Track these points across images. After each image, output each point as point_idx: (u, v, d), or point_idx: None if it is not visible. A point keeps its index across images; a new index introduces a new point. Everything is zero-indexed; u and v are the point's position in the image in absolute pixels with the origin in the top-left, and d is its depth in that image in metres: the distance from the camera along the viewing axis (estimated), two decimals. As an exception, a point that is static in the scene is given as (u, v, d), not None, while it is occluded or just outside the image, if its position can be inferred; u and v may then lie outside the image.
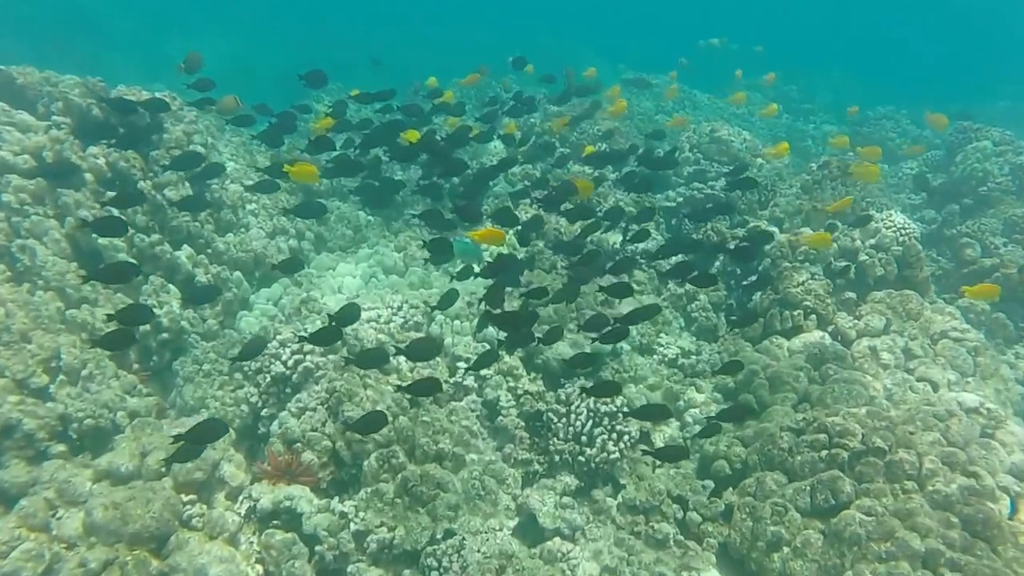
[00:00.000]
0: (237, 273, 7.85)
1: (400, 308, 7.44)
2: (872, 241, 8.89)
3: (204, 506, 5.65)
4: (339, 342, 6.60)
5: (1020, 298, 9.44)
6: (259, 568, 5.55)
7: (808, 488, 6.33)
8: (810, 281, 8.24)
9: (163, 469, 5.70)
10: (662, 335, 8.47)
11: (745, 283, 8.87)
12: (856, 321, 8.08)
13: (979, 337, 8.21)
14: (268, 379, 6.53)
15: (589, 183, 7.64)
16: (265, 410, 6.57)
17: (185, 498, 5.61)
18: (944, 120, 11.27)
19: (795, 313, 8.12)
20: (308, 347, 6.64)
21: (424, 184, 7.73)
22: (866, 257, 8.65)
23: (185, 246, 7.58)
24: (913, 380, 7.31)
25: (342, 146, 7.98)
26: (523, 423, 6.89)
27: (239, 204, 8.41)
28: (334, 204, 9.44)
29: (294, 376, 6.57)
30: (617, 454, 6.74)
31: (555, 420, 6.83)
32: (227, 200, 8.23)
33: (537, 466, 6.77)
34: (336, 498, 6.06)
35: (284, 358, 6.55)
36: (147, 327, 6.76)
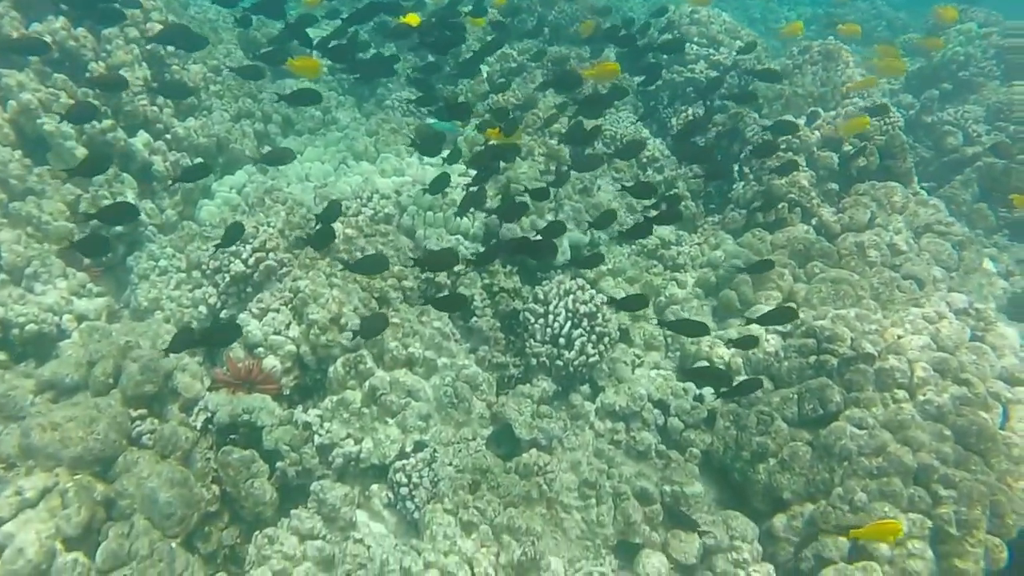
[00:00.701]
0: (198, 159, 6.68)
1: (370, 198, 6.37)
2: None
3: (156, 421, 4.73)
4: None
5: (1001, 188, 8.49)
6: (215, 489, 4.70)
7: (795, 396, 5.56)
8: (796, 173, 7.22)
9: (111, 380, 4.76)
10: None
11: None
12: (840, 215, 7.13)
13: (963, 230, 7.34)
14: (227, 278, 5.51)
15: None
16: (224, 311, 5.58)
17: (134, 413, 4.68)
18: (954, 13, 9.84)
19: (779, 206, 7.14)
20: (271, 244, 5.61)
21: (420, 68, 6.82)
22: (849, 147, 7.62)
23: (141, 132, 6.38)
24: (899, 278, 6.42)
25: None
26: (498, 323, 5.98)
27: (201, 86, 7.15)
28: (304, 84, 8.18)
29: (255, 275, 5.56)
30: (596, 356, 5.87)
31: (532, 320, 5.93)
32: (189, 81, 6.96)
33: (513, 369, 5.91)
34: (300, 407, 5.19)
35: (244, 256, 5.51)
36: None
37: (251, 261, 5.49)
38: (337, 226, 5.88)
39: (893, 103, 9.52)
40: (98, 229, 5.83)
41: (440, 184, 5.81)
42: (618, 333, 6.11)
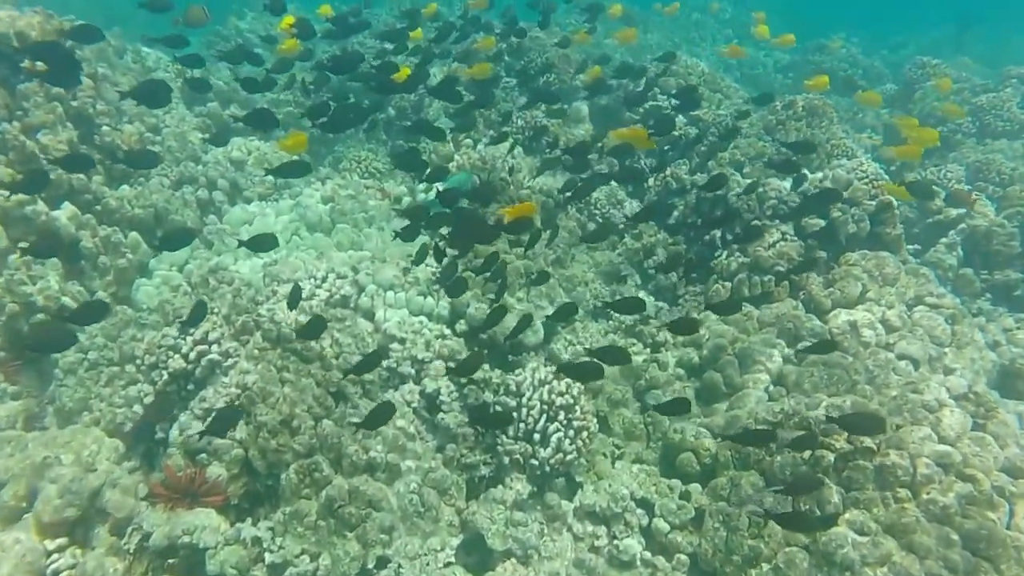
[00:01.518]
0: (134, 234, 6.30)
1: (325, 279, 6.04)
2: (846, 194, 7.71)
3: (78, 552, 4.31)
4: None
5: (983, 252, 8.42)
6: (149, 627, 4.30)
7: (790, 496, 5.30)
8: (782, 243, 7.05)
9: (24, 504, 4.34)
10: (617, 295, 7.27)
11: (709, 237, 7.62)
12: (831, 289, 6.95)
13: (954, 302, 7.19)
14: (165, 376, 5.12)
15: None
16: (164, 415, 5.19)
17: (51, 545, 4.26)
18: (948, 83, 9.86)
19: (766, 279, 6.95)
20: (214, 335, 5.24)
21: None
22: (839, 213, 7.47)
23: (66, 204, 5.99)
24: (894, 359, 6.24)
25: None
26: (467, 419, 5.65)
27: (136, 146, 6.78)
28: (252, 143, 7.84)
29: (198, 370, 5.19)
30: (575, 453, 5.58)
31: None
32: (121, 143, 6.60)
33: (483, 468, 5.58)
34: (248, 520, 4.81)
35: (185, 350, 5.14)
36: (16, 307, 5.26)
37: (192, 355, 5.11)
38: (292, 314, 5.54)
39: (872, 159, 9.48)
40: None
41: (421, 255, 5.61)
42: (596, 426, 5.81)
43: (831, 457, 5.37)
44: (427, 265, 6.39)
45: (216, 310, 5.52)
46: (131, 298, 6.12)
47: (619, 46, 11.42)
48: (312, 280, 5.98)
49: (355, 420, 5.11)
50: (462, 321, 6.23)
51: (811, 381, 6.07)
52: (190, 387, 5.21)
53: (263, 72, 6.71)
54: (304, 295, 5.85)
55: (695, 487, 5.72)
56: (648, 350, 6.91)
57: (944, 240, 8.77)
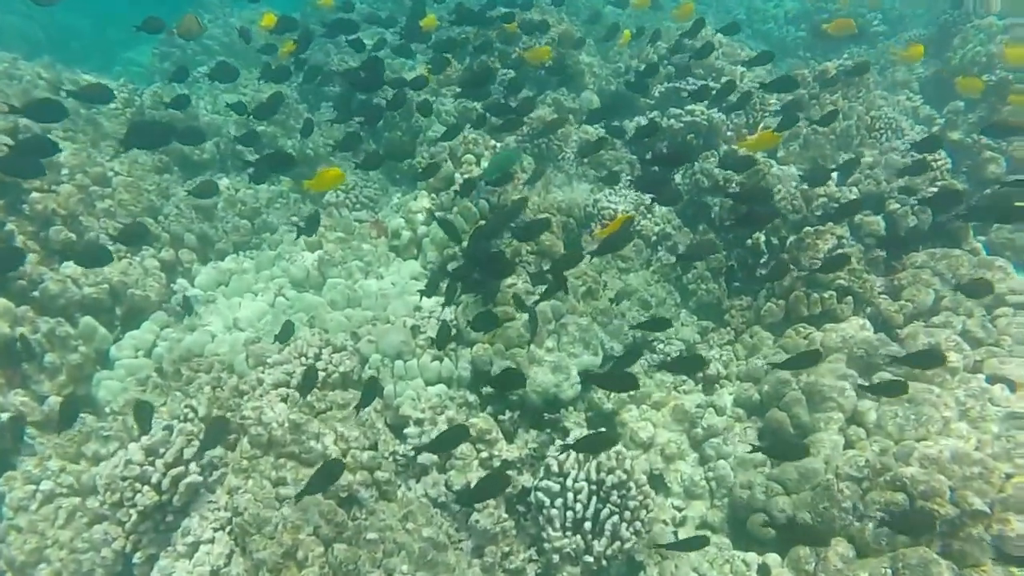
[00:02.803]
0: (86, 320, 5.39)
1: (319, 355, 5.17)
2: (900, 181, 6.83)
3: None
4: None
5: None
6: None
7: (890, 573, 4.51)
8: (840, 251, 6.18)
9: None
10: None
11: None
12: (901, 301, 6.10)
13: (1044, 300, 6.33)
14: (134, 515, 4.26)
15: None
16: (139, 554, 4.34)
17: None
18: (979, 84, 8.75)
19: (826, 295, 6.08)
20: (189, 452, 4.39)
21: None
22: (896, 205, 6.60)
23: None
24: (987, 385, 5.42)
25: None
26: (505, 515, 4.82)
27: (79, 211, 5.81)
28: (222, 181, 6.89)
29: (175, 499, 4.34)
30: (633, 539, 4.76)
31: (548, 503, 4.79)
32: (59, 208, 5.65)
33: (530, 570, 4.77)
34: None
35: (155, 479, 4.28)
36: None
37: (165, 483, 4.26)
38: (280, 407, 4.68)
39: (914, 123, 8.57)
40: None
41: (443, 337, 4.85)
42: (653, 499, 5.00)
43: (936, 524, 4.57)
44: (438, 317, 5.54)
45: (194, 410, 4.66)
46: (92, 398, 5.23)
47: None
48: (301, 358, 5.10)
49: (371, 536, 4.28)
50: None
51: (895, 422, 5.24)
52: (169, 518, 4.35)
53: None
54: (293, 380, 4.98)
55: (773, 559, 4.97)
56: (699, 386, 6.09)
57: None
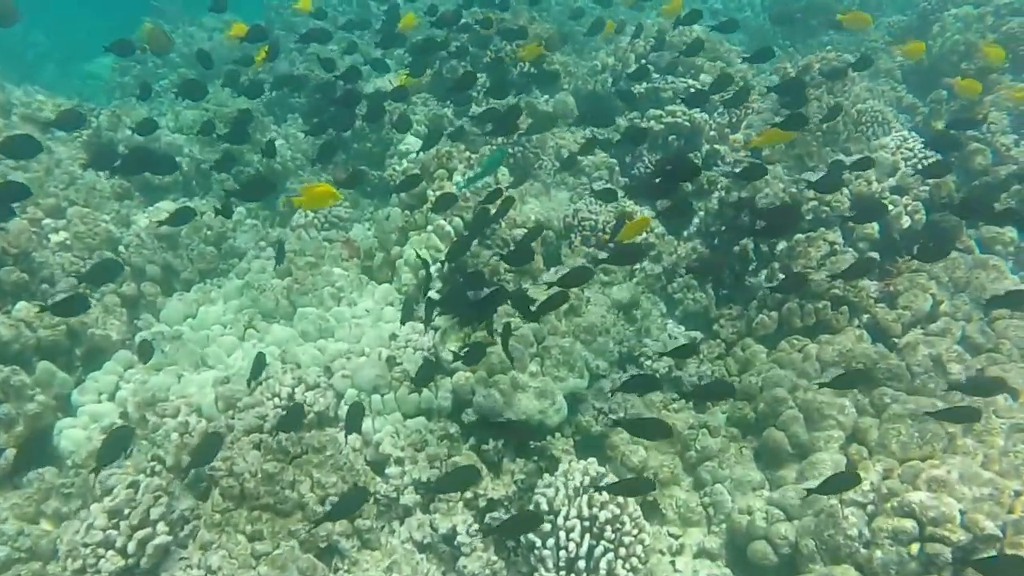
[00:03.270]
0: (43, 365, 5.09)
1: (291, 393, 4.91)
2: (891, 181, 6.63)
3: None
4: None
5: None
6: None
7: (902, 604, 4.34)
8: (833, 258, 5.98)
9: None
10: (645, 339, 6.21)
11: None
12: (898, 309, 5.90)
13: (1041, 300, 6.16)
14: (100, 585, 4.00)
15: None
16: (106, 624, 4.09)
17: None
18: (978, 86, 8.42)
19: (819, 305, 5.88)
20: (156, 512, 4.13)
21: None
22: (889, 206, 6.41)
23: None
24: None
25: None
26: (494, 557, 4.60)
27: (31, 248, 5.49)
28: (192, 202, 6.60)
29: (143, 561, 4.08)
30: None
31: (539, 544, 4.57)
32: (9, 247, 5.32)
33: (523, 616, 4.56)
34: None
35: (120, 543, 4.02)
36: None
37: (131, 547, 4.00)
38: (252, 455, 4.43)
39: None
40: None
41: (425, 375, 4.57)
42: (649, 534, 4.80)
43: (947, 553, 4.39)
44: (414, 346, 5.30)
45: (161, 460, 4.41)
46: (53, 449, 4.94)
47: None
48: (274, 399, 4.84)
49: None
50: (469, 410, 5.20)
51: (898, 441, 5.05)
52: (138, 582, 4.10)
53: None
54: (268, 421, 4.73)
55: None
56: (690, 403, 5.89)
57: (995, 206, 7.67)
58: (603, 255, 6.34)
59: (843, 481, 4.47)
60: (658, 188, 6.34)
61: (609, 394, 5.63)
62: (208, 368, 5.28)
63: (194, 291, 6.01)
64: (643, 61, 8.48)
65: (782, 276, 6.07)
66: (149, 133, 6.25)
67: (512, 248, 5.62)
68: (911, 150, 7.01)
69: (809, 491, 4.55)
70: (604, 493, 4.67)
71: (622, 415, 5.55)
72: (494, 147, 7.08)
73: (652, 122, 7.73)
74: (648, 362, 6.00)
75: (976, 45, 9.33)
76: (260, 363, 4.87)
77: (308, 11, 8.72)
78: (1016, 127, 8.21)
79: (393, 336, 5.46)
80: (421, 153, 6.49)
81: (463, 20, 7.67)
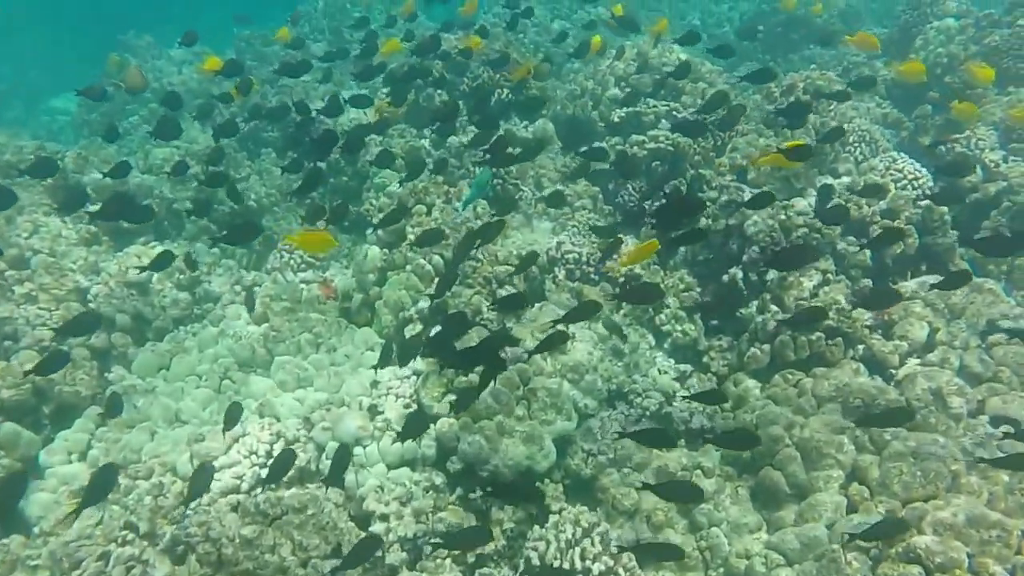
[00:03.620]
0: (7, 426, 4.88)
1: (270, 450, 4.73)
2: (882, 204, 6.53)
3: None
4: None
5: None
6: None
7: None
8: (826, 288, 5.85)
9: None
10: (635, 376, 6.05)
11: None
12: (894, 340, 5.78)
13: (1033, 321, 6.05)
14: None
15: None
16: None
17: None
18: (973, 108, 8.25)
19: (813, 337, 5.74)
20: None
21: None
22: (879, 231, 6.30)
23: None
24: (992, 429, 5.12)
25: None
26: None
27: None
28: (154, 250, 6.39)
29: (116, 640, 3.89)
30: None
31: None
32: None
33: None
34: None
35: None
36: None
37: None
38: (230, 518, 4.25)
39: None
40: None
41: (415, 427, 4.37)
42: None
43: (958, 601, 4.25)
44: (396, 394, 5.13)
45: (133, 527, 4.21)
46: (22, 514, 4.72)
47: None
48: (251, 456, 4.66)
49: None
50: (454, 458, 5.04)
51: (900, 480, 4.91)
52: (110, 663, 3.90)
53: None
54: (245, 481, 4.54)
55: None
56: (683, 440, 5.73)
57: (986, 223, 7.56)
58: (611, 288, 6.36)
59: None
60: (662, 224, 6.25)
61: (612, 438, 5.45)
62: (182, 424, 5.08)
63: (167, 341, 5.81)
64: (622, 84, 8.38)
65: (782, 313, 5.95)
66: (123, 177, 6.09)
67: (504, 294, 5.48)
68: (900, 171, 6.93)
69: (852, 536, 4.44)
70: (595, 543, 4.53)
71: (644, 479, 5.35)
72: (478, 170, 6.95)
73: (635, 148, 7.61)
74: (639, 399, 5.85)
75: (958, 57, 9.30)
76: (234, 414, 4.68)
77: (286, 40, 8.63)
78: (1004, 142, 8.14)
79: (374, 383, 5.29)
80: (401, 187, 6.37)
81: (442, 47, 7.56)
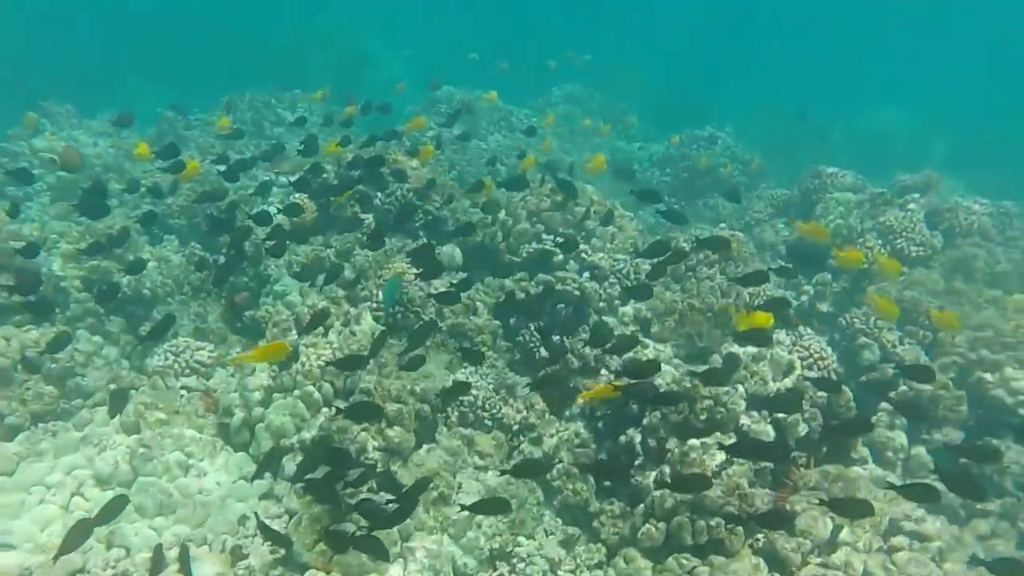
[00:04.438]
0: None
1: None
2: (787, 383, 6.50)
3: None
4: None
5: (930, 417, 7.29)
6: None
7: None
8: (729, 469, 5.71)
9: None
10: (519, 536, 5.72)
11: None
12: (797, 537, 5.60)
13: (936, 526, 5.95)
14: None
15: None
16: None
17: None
18: (859, 255, 8.45)
19: (712, 523, 5.52)
20: None
21: None
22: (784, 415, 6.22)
23: None
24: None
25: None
26: None
27: None
28: (27, 335, 5.86)
29: None
30: None
31: None
32: None
33: None
34: None
35: None
36: None
37: None
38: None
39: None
40: None
41: None
42: None
43: None
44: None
45: None
46: None
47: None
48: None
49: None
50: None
51: None
52: None
53: None
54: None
55: None
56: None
57: (884, 405, 7.56)
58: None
59: None
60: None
61: None
62: (9, 548, 4.46)
63: (19, 439, 5.23)
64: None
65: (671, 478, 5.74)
66: (32, 257, 5.98)
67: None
68: (807, 348, 6.94)
69: None
70: None
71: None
72: (385, 279, 6.74)
73: (541, 287, 7.47)
74: (521, 565, 5.52)
75: (856, 230, 9.51)
76: (75, 538, 4.14)
77: (226, 130, 8.60)
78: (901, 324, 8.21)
79: (243, 520, 4.85)
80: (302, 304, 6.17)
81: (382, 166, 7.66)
